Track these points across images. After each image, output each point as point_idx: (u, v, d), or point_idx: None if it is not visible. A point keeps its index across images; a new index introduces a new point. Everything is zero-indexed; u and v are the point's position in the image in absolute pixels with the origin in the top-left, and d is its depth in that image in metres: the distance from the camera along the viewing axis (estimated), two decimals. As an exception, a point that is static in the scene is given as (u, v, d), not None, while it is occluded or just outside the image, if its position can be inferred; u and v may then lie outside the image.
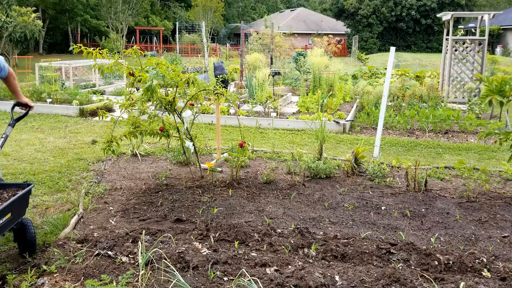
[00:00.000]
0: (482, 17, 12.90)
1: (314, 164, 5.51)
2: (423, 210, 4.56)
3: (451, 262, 3.33)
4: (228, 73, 13.82)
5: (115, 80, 16.30)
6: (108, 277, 3.01)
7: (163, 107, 5.09)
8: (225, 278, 3.08)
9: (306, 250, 3.54)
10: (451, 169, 6.01)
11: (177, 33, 25.85)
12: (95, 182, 5.23)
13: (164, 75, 4.77)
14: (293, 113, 10.23)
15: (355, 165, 5.64)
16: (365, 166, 5.80)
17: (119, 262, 3.28)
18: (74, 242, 3.60)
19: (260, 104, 10.32)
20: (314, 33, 39.41)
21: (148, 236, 3.70)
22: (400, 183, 5.37)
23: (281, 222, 4.17)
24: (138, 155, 6.45)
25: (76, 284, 2.99)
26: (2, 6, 16.81)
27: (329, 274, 3.12)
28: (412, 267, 3.31)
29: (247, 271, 3.07)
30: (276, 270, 3.17)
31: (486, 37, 12.12)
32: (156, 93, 4.72)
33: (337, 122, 8.65)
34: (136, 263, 3.25)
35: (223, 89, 5.63)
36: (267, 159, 6.37)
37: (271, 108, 9.89)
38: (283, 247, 3.56)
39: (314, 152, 6.09)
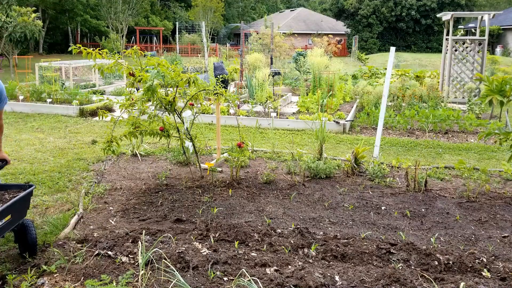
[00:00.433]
0: (482, 17, 12.90)
1: (314, 164, 5.51)
2: (423, 210, 4.56)
3: (451, 262, 3.34)
4: (228, 73, 13.81)
5: (115, 80, 16.30)
6: (108, 277, 3.01)
7: (163, 107, 5.10)
8: (225, 278, 3.08)
9: (306, 250, 3.54)
10: (451, 169, 6.01)
11: (177, 33, 25.87)
12: (95, 182, 5.23)
13: (164, 75, 4.78)
14: (293, 113, 10.23)
15: (355, 165, 5.64)
16: (365, 166, 5.81)
17: (119, 262, 3.28)
18: (74, 242, 3.60)
19: (260, 104, 10.32)
20: (314, 33, 39.37)
21: (148, 236, 3.70)
22: (400, 183, 5.38)
23: (281, 222, 4.17)
24: (138, 155, 6.45)
25: (76, 284, 2.99)
26: (2, 6, 16.83)
27: (329, 274, 3.12)
28: (412, 267, 3.31)
29: (247, 271, 3.07)
30: (276, 270, 3.17)
31: (486, 37, 12.12)
32: (156, 93, 4.72)
33: (337, 122, 8.65)
34: (136, 263, 3.25)
35: (223, 89, 5.63)
36: (267, 159, 6.37)
37: (271, 108, 9.88)
38: (283, 247, 3.56)
39: (314, 152, 6.09)
